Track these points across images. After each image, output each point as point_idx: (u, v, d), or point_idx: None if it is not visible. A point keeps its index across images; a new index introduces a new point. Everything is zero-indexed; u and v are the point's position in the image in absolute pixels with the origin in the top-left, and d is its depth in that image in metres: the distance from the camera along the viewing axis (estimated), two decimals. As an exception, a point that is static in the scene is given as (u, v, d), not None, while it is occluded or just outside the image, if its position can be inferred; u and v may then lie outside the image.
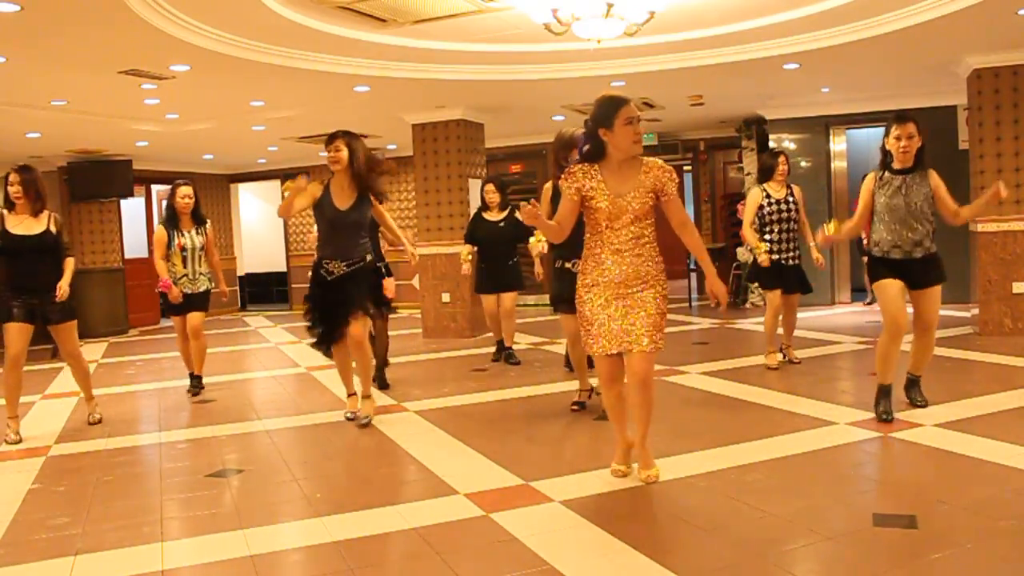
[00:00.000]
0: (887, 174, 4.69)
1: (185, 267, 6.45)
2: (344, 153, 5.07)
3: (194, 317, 6.48)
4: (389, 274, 6.32)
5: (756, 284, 7.66)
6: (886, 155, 4.69)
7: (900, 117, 4.64)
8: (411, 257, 5.48)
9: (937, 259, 4.74)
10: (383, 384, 6.46)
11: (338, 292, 5.07)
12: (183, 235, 6.45)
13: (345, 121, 10.15)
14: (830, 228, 4.93)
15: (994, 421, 4.58)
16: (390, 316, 5.75)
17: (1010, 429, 4.36)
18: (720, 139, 12.57)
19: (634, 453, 3.85)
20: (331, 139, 5.13)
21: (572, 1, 5.19)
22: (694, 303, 11.65)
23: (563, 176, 3.66)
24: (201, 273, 6.52)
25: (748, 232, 6.45)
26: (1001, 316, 7.71)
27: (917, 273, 4.68)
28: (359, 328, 5.09)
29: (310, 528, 3.45)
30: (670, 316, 10.56)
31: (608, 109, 3.57)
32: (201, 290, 6.50)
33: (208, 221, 6.72)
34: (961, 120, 9.47)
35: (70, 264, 5.56)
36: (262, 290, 15.18)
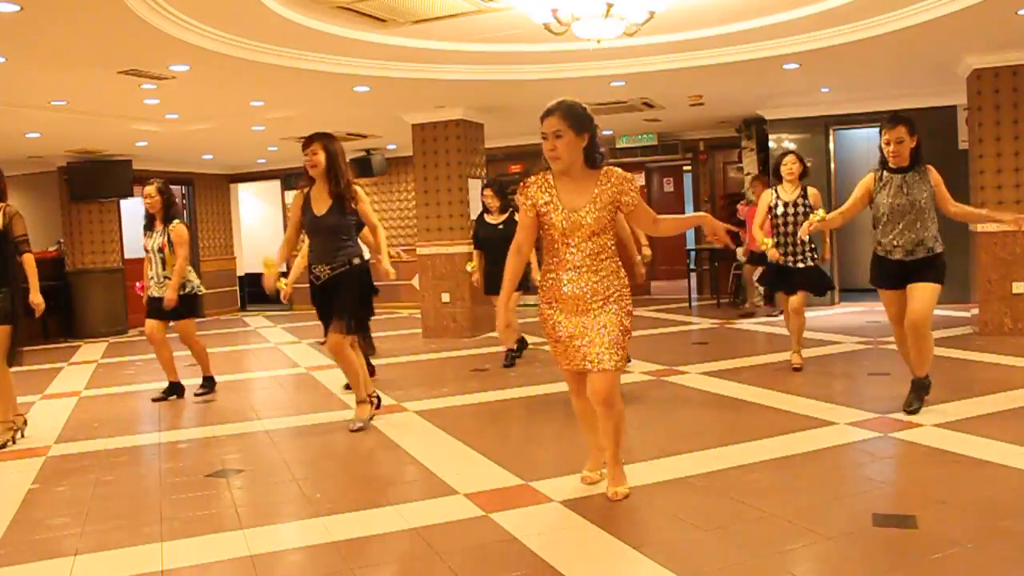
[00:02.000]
0: (886, 173, 4.69)
1: (151, 269, 6.28)
2: (321, 157, 4.91)
3: (150, 325, 6.27)
4: None
5: (759, 284, 7.61)
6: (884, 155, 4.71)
7: (891, 120, 4.63)
8: (385, 273, 5.27)
9: (936, 260, 4.69)
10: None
11: (327, 296, 5.04)
12: (149, 236, 6.29)
13: (345, 121, 10.19)
14: (819, 215, 5.03)
15: (994, 421, 4.58)
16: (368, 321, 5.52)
17: (1010, 429, 4.36)
18: (720, 139, 12.57)
19: (604, 469, 3.73)
20: (308, 143, 4.95)
21: (572, 1, 5.19)
22: (694, 303, 11.65)
23: (519, 190, 3.45)
24: (166, 276, 6.21)
25: (756, 231, 6.36)
26: (1001, 316, 7.71)
27: (914, 271, 4.68)
28: (336, 338, 4.99)
29: (310, 528, 3.46)
30: (670, 316, 10.59)
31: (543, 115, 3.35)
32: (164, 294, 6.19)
33: (175, 220, 6.27)
34: (961, 120, 9.48)
35: (27, 265, 5.09)
36: (262, 290, 15.16)
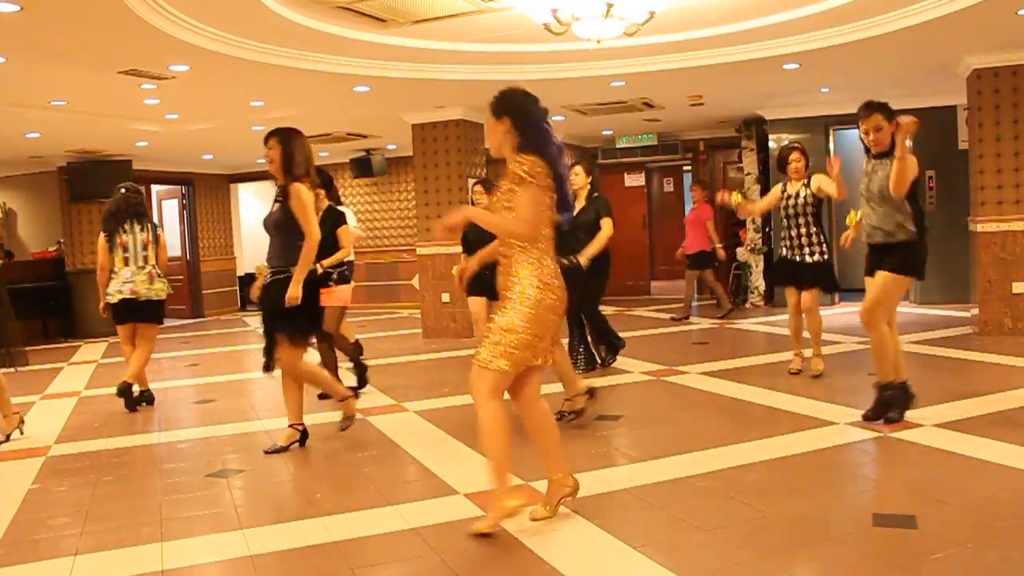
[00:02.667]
0: (868, 159, 4.66)
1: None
2: (276, 152, 4.58)
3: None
4: (343, 281, 5.96)
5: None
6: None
7: (866, 108, 4.53)
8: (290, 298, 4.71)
9: (896, 248, 4.50)
10: (362, 382, 6.22)
11: (267, 302, 4.69)
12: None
13: (345, 121, 10.19)
14: (855, 216, 4.90)
15: (994, 421, 4.58)
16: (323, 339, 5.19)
17: (1010, 429, 4.36)
18: (720, 139, 12.56)
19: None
20: (267, 138, 4.66)
21: (572, 1, 5.19)
22: (694, 303, 11.63)
23: None
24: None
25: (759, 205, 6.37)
26: (1001, 316, 7.70)
27: (875, 260, 4.58)
28: (286, 355, 4.68)
29: (310, 528, 3.45)
30: (670, 317, 10.54)
31: None
32: None
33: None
34: (961, 120, 9.47)
35: None
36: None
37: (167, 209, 13.83)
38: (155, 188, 13.52)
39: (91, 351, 9.91)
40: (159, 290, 6.06)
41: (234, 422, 5.57)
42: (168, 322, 11.85)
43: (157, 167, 12.60)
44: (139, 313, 6.03)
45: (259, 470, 4.41)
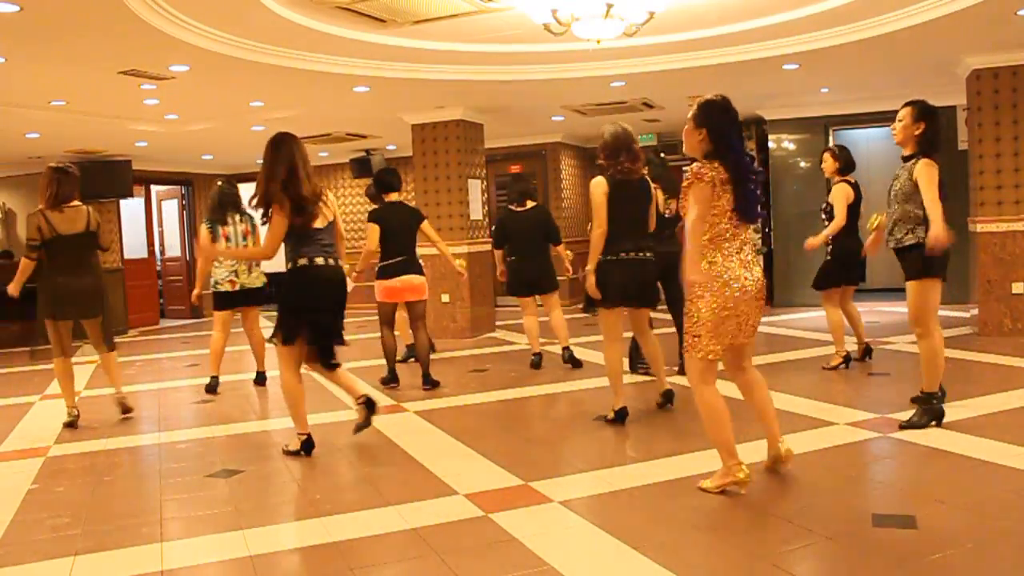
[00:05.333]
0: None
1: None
2: None
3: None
4: (382, 275, 6.30)
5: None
6: None
7: (907, 102, 4.57)
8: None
9: (904, 253, 4.54)
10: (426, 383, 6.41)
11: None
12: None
13: (345, 121, 10.19)
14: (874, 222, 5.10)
15: (994, 421, 4.59)
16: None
17: (1010, 429, 4.36)
18: (720, 139, 12.56)
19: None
20: None
21: (572, 1, 5.19)
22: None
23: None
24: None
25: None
26: (1001, 316, 7.70)
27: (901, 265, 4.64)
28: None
29: (310, 528, 3.46)
30: (670, 316, 10.54)
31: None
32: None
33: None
34: (961, 120, 9.48)
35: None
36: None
37: (167, 209, 13.80)
38: (155, 188, 13.50)
39: (91, 351, 9.89)
40: (256, 278, 6.66)
41: (234, 422, 5.57)
42: (168, 322, 11.83)
43: (157, 167, 12.59)
44: (240, 299, 6.66)
45: (259, 470, 4.41)
